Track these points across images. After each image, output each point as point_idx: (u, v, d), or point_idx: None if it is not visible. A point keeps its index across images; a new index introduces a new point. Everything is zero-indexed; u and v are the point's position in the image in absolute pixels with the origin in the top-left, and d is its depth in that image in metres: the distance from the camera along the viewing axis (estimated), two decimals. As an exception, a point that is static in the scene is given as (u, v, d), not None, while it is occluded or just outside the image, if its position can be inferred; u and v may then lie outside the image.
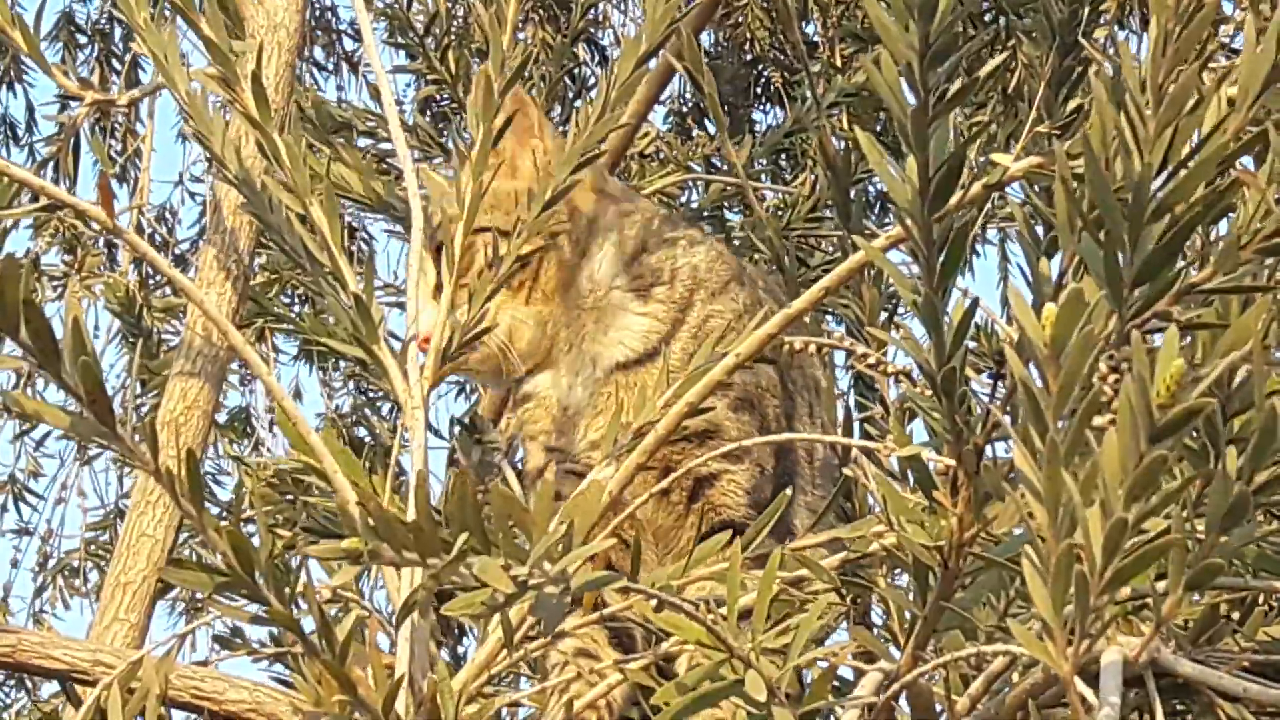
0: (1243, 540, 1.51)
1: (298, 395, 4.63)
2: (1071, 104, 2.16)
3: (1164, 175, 1.52)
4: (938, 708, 1.94)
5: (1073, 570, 1.33)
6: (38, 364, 1.48)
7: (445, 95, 3.93)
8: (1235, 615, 1.95)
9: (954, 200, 1.73)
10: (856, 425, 2.76)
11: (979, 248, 3.88)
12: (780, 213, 3.75)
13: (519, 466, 3.47)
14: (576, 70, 4.11)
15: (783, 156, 4.14)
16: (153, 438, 1.52)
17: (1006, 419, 1.61)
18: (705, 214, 4.00)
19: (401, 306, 3.78)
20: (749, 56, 4.29)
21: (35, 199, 2.61)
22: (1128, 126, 1.48)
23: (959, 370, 1.69)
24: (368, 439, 4.26)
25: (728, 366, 2.20)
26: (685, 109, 4.28)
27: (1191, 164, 1.49)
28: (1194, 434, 1.74)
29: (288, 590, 1.49)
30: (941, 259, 1.63)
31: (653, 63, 2.75)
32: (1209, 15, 1.49)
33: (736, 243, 3.78)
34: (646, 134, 4.09)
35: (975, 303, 1.62)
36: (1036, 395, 1.33)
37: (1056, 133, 2.12)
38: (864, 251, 1.81)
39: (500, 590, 1.45)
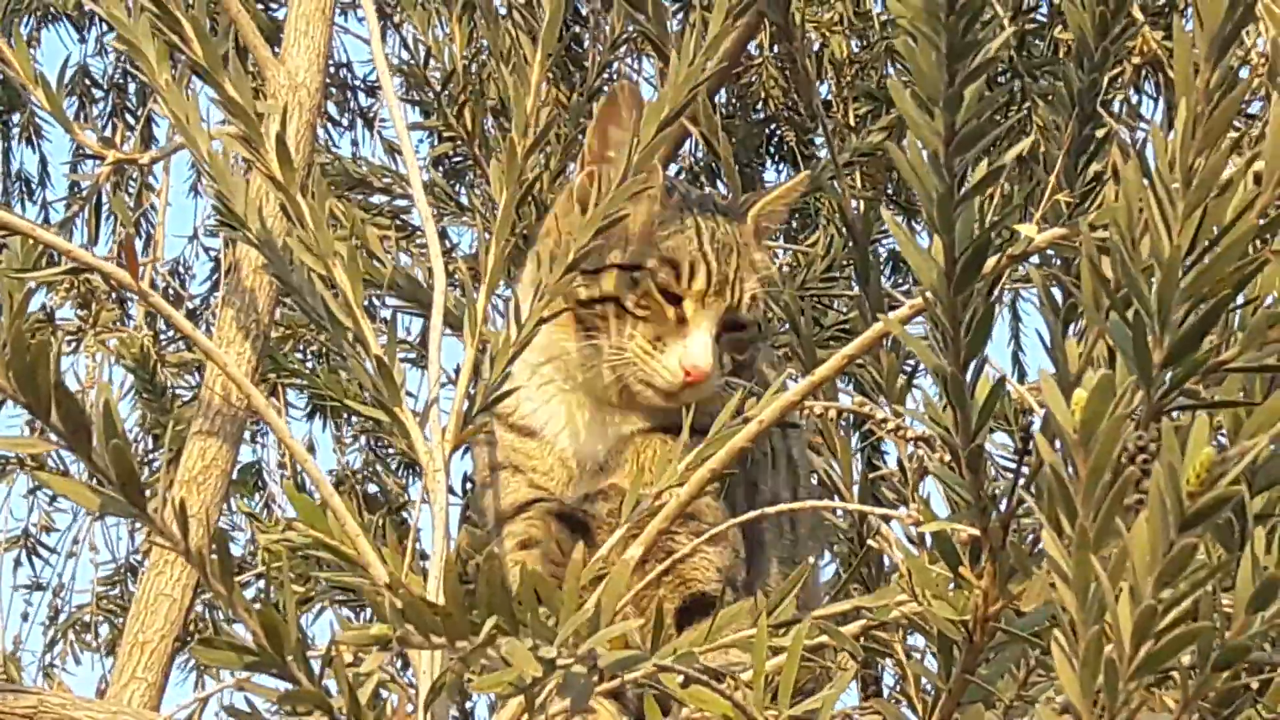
0: (1272, 620, 1.51)
1: (310, 450, 4.63)
2: (1090, 171, 2.17)
3: (1193, 256, 1.53)
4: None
5: (1102, 656, 1.33)
6: (68, 445, 1.49)
7: (460, 153, 3.94)
8: (1255, 685, 1.95)
9: (989, 265, 1.74)
10: (871, 490, 2.77)
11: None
12: (794, 272, 3.76)
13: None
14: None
15: (795, 215, 4.15)
16: (183, 517, 1.53)
17: (1031, 498, 1.62)
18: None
19: (416, 364, 3.80)
20: (761, 115, 4.30)
21: (55, 260, 2.62)
22: (1155, 207, 1.49)
23: (983, 446, 1.70)
24: (379, 495, 4.27)
25: (750, 433, 2.21)
26: (699, 167, 4.28)
27: (1221, 245, 1.50)
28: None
29: (315, 666, 1.49)
30: (968, 337, 1.64)
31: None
32: (1239, 97, 1.50)
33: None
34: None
35: (1002, 380, 1.62)
36: (1066, 479, 1.34)
37: (1074, 200, 2.13)
38: (884, 323, 1.82)
39: (528, 672, 1.46)
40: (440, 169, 4.06)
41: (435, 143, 4.06)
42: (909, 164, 1.61)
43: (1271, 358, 1.63)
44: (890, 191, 4.18)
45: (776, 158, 4.25)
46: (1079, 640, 1.35)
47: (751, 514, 2.28)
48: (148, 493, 1.51)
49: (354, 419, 4.40)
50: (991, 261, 1.91)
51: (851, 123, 4.21)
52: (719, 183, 4.22)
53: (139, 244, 4.84)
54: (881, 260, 4.24)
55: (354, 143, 4.73)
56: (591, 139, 2.60)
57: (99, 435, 1.48)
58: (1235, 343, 1.62)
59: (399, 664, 2.85)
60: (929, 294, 1.63)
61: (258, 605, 1.47)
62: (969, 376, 1.66)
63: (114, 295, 4.55)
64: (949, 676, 1.83)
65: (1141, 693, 1.80)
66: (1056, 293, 1.84)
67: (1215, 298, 1.51)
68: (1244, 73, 2.89)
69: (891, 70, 4.06)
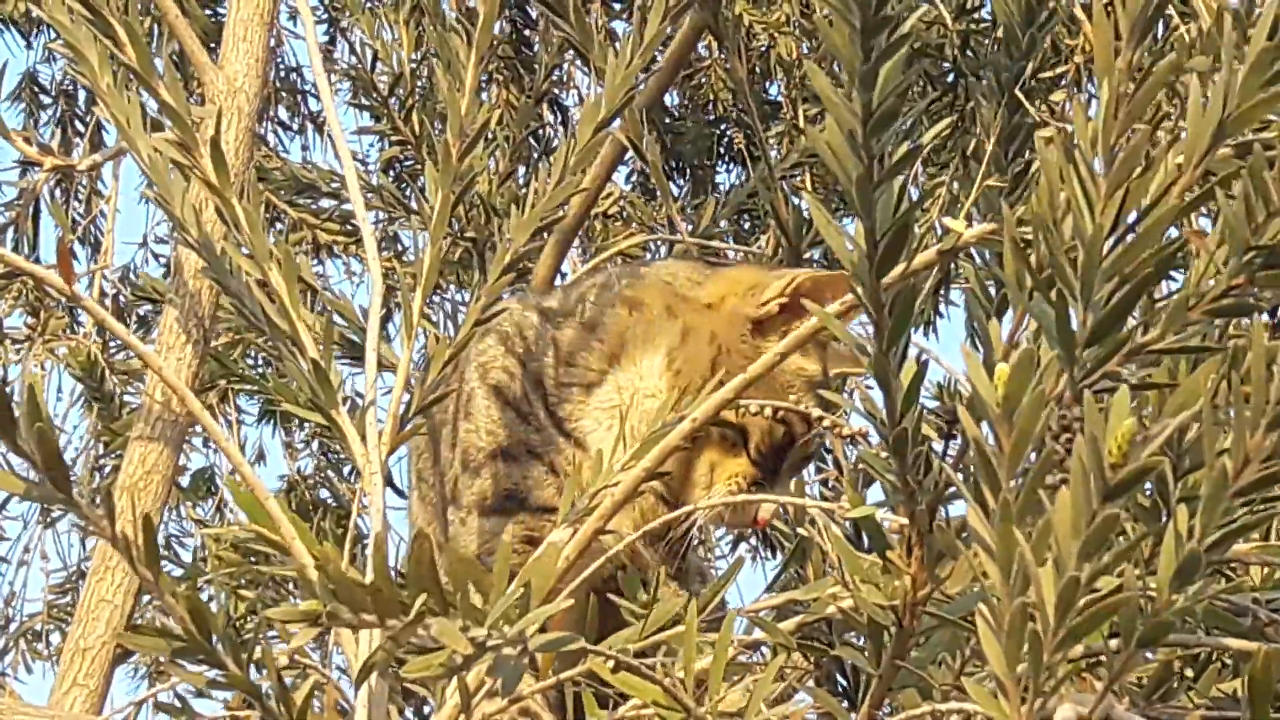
0: (1194, 599, 1.52)
1: (261, 457, 4.62)
2: (1022, 161, 2.18)
3: (1114, 236, 1.53)
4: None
5: (1026, 628, 1.34)
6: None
7: (409, 156, 3.94)
8: (1189, 672, 1.96)
9: (905, 267, 1.75)
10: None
11: (942, 309, 3.90)
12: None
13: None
14: (541, 131, 4.12)
15: (745, 216, 4.16)
16: (109, 504, 1.53)
17: (960, 477, 1.62)
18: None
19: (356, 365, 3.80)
20: (711, 117, 4.31)
21: (-8, 265, 2.62)
22: (1079, 188, 1.50)
23: (911, 430, 1.71)
24: (330, 501, 4.26)
25: (684, 431, 2.21)
26: (648, 170, 4.29)
27: (1142, 226, 1.51)
28: (1146, 492, 1.75)
29: (245, 655, 1.49)
30: (891, 320, 1.64)
31: (616, 124, 2.77)
32: (1161, 79, 1.51)
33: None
34: (610, 194, 4.11)
35: (925, 364, 1.63)
36: (989, 454, 1.34)
37: (1004, 185, 2.14)
38: (817, 317, 1.83)
39: (458, 651, 1.46)
40: (390, 174, 4.06)
41: (385, 147, 4.06)
42: (827, 145, 1.62)
43: (1194, 339, 1.64)
44: (838, 191, 4.19)
45: (727, 159, 4.27)
46: (1003, 613, 1.35)
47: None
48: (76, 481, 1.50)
49: (305, 425, 4.39)
50: (922, 256, 1.93)
51: (801, 124, 4.22)
52: (670, 182, 4.23)
53: (88, 252, 4.83)
54: (834, 261, 4.24)
55: (304, 147, 4.73)
56: None
57: (24, 421, 1.48)
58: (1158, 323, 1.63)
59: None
60: (852, 278, 1.64)
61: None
62: (894, 359, 1.67)
63: (62, 303, 4.54)
64: (880, 662, 1.83)
65: (1076, 678, 1.82)
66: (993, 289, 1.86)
67: (1137, 278, 1.52)
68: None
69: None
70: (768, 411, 2.50)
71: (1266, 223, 1.59)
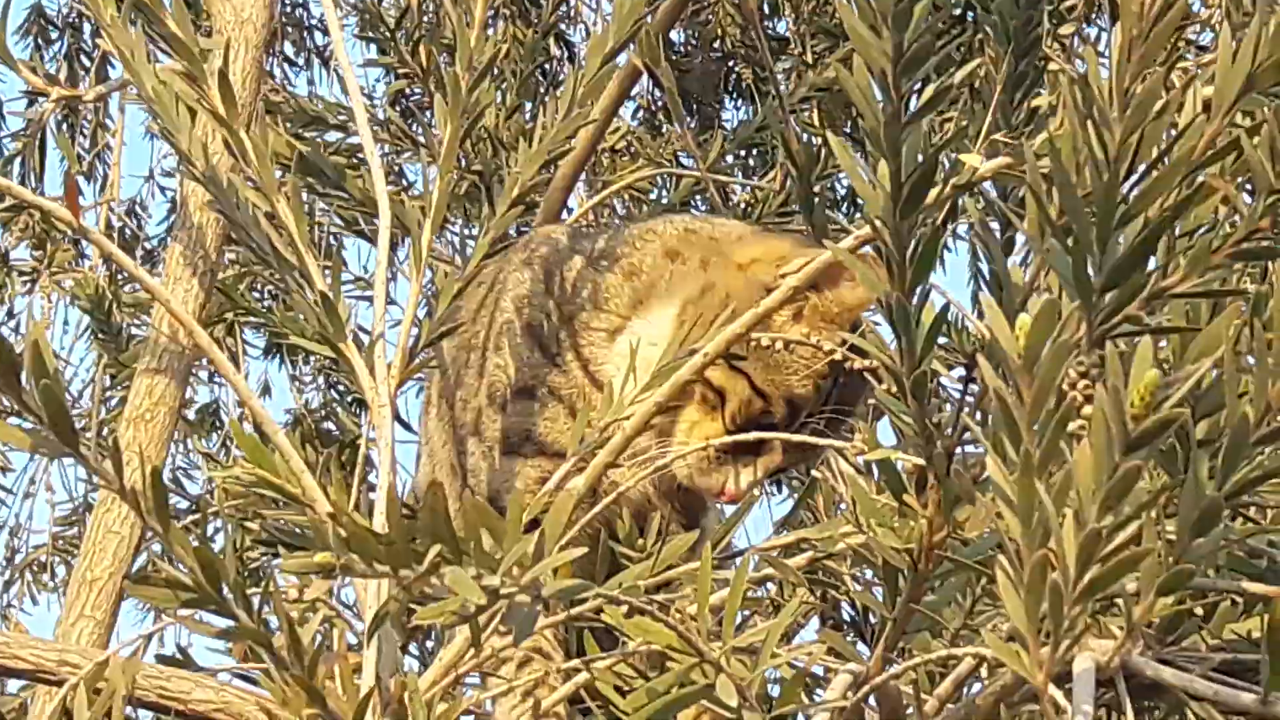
0: (1214, 545, 1.51)
1: (266, 390, 4.61)
2: (1030, 105, 2.15)
3: (1132, 180, 1.51)
4: (907, 709, 1.94)
5: (1047, 579, 1.33)
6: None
7: (417, 90, 3.92)
8: (1201, 612, 1.95)
9: (931, 195, 1.73)
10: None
11: (950, 243, 3.88)
12: (750, 209, 3.75)
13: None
14: (548, 66, 4.09)
15: (754, 152, 4.14)
16: (116, 455, 1.51)
17: (977, 424, 1.61)
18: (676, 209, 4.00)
19: (369, 300, 3.78)
20: (719, 53, 4.28)
21: (1, 198, 2.60)
22: (1094, 131, 1.48)
23: (928, 373, 1.69)
24: (336, 434, 4.25)
25: (695, 366, 2.20)
26: (656, 105, 4.27)
27: (1159, 169, 1.49)
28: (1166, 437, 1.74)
29: (256, 604, 1.48)
30: (912, 263, 1.62)
31: (622, 59, 2.75)
32: (1175, 19, 1.48)
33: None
34: (617, 129, 4.08)
35: (946, 307, 1.61)
36: (1010, 405, 1.33)
37: (1009, 140, 2.11)
38: (832, 252, 1.81)
39: (471, 601, 1.44)
40: (397, 107, 4.04)
41: (392, 80, 4.04)
42: (856, 86, 1.60)
43: (1215, 283, 1.62)
44: (849, 128, 4.17)
45: (734, 95, 4.24)
46: (1023, 566, 1.34)
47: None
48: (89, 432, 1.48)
49: (312, 358, 4.38)
50: (934, 191, 1.91)
51: (809, 59, 4.19)
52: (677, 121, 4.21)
53: (94, 185, 4.81)
54: (841, 198, 4.23)
55: (310, 81, 4.70)
56: None
57: (28, 375, 1.46)
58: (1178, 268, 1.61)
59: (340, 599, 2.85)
60: (876, 220, 1.62)
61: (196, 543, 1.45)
62: (914, 303, 1.65)
63: (68, 236, 4.53)
64: (895, 606, 1.82)
65: (1086, 619, 1.80)
66: (996, 226, 1.84)
67: (1155, 222, 1.50)
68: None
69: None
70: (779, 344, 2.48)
71: (1292, 165, 1.58)
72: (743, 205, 3.76)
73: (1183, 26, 1.75)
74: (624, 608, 1.67)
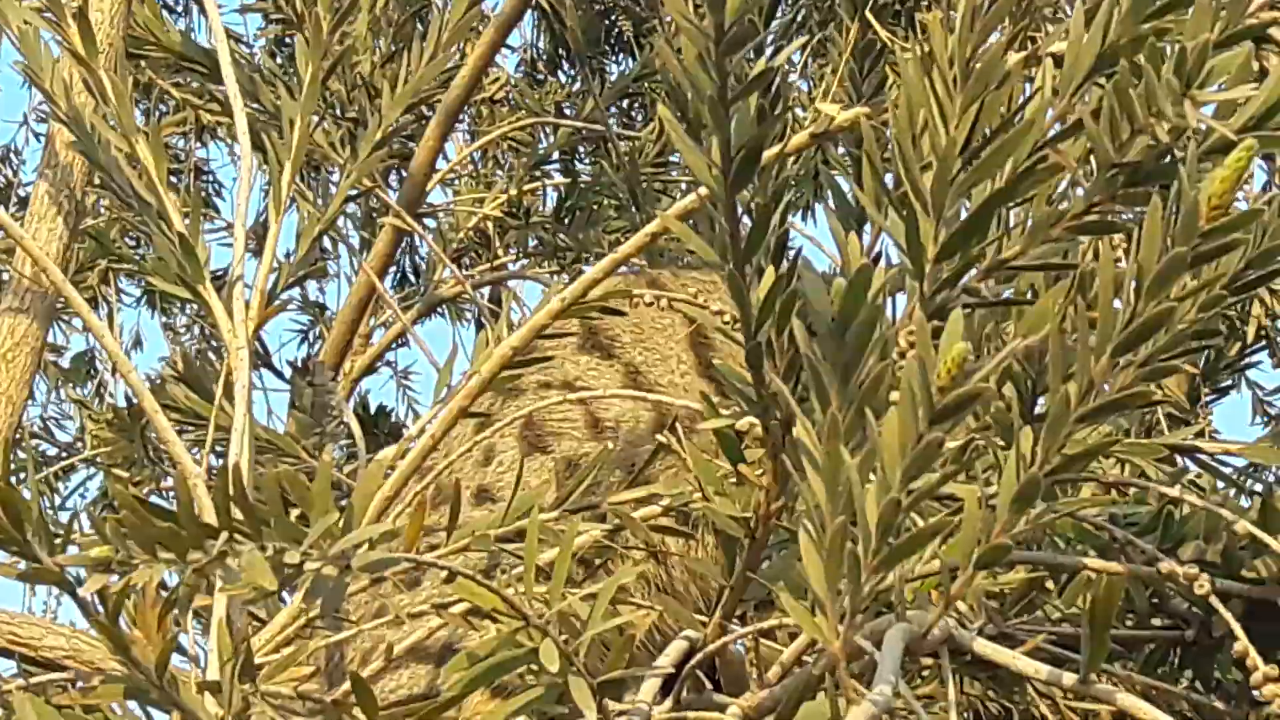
0: (1039, 519, 1.50)
1: (138, 343, 4.56)
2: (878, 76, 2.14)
3: (971, 151, 1.50)
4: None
5: (846, 547, 1.31)
6: None
7: (291, 36, 3.87)
8: (1051, 585, 1.95)
9: (777, 150, 1.72)
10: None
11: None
12: (629, 159, 3.73)
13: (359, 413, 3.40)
14: (425, 13, 4.03)
15: (635, 104, 4.12)
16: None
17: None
18: (554, 160, 3.98)
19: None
20: (600, 7, 4.24)
21: None
22: (934, 100, 1.46)
23: (766, 344, 1.67)
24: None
25: (553, 310, 2.15)
26: (537, 56, 4.24)
27: (997, 141, 1.48)
28: (1007, 409, 1.73)
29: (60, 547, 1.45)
30: (746, 237, 1.61)
31: (498, 6, 2.72)
32: (1016, -8, 1.47)
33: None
34: (497, 79, 4.05)
35: (780, 279, 1.59)
36: (820, 371, 1.31)
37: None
38: (655, 223, 1.79)
39: (263, 584, 1.42)
40: (276, 58, 3.98)
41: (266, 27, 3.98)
42: (681, 65, 1.58)
43: (1055, 256, 1.61)
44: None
45: (615, 48, 4.21)
46: (826, 532, 1.32)
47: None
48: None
49: (188, 307, 4.33)
50: (796, 139, 1.89)
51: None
52: (559, 73, 4.19)
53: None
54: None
55: (190, 29, 4.63)
56: None
57: None
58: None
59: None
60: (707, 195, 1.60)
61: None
62: (749, 274, 1.63)
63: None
64: (732, 573, 1.81)
65: (934, 595, 1.79)
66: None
67: (991, 193, 1.49)
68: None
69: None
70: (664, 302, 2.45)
71: (1130, 140, 1.56)
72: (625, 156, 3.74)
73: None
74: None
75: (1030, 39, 1.89)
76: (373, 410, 3.56)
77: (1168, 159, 1.58)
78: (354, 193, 2.41)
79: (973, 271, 1.61)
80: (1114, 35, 1.57)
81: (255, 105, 3.13)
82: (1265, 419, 3.53)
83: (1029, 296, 1.70)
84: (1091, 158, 1.60)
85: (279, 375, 3.54)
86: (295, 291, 4.12)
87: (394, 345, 3.91)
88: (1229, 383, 3.40)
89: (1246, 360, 3.38)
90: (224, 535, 1.41)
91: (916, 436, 1.28)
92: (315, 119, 3.52)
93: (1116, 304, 1.48)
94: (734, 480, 1.79)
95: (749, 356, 1.67)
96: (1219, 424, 3.54)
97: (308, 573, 1.45)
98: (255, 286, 2.35)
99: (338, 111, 3.41)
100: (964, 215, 1.53)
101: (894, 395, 1.39)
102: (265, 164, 2.41)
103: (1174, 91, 1.53)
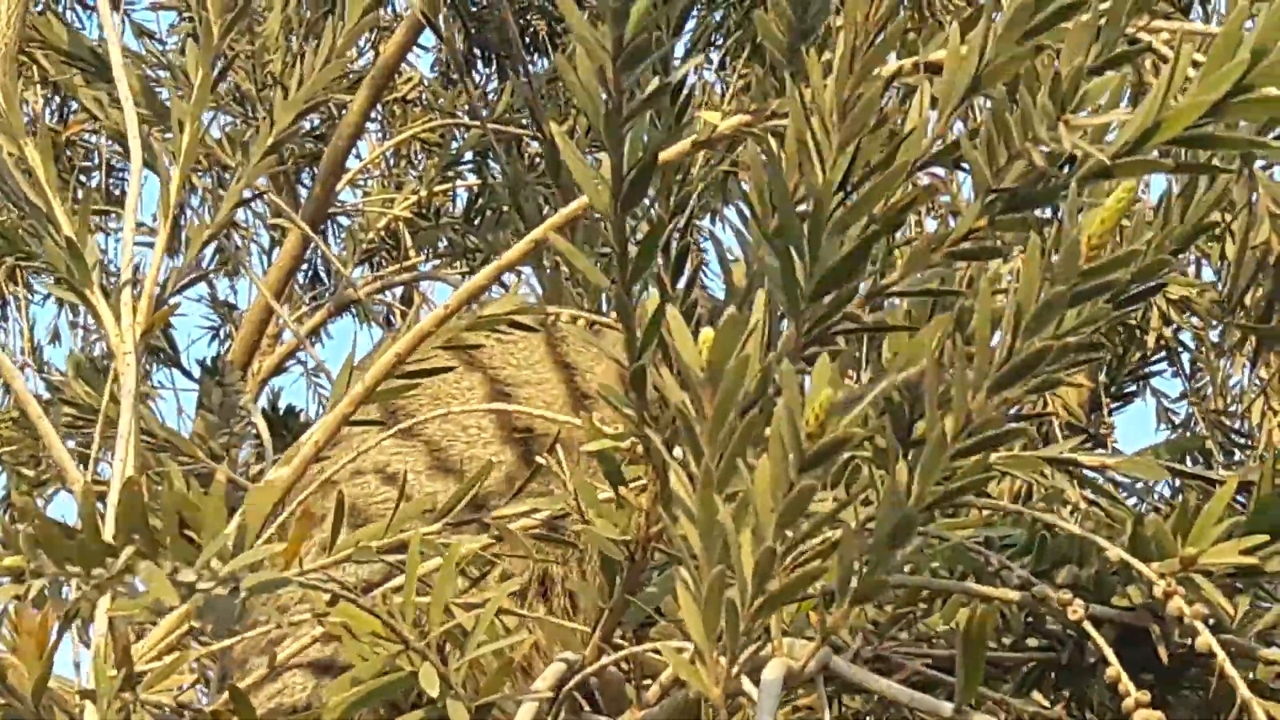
0: (913, 554, 1.51)
1: (55, 338, 4.53)
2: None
3: (848, 189, 1.51)
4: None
5: (723, 595, 1.32)
6: None
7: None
8: (924, 606, 1.96)
9: (671, 152, 1.72)
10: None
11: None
12: (539, 159, 3.73)
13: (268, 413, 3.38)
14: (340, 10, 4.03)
15: (549, 105, 4.11)
16: None
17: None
18: (467, 161, 3.97)
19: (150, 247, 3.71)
20: (520, 5, 4.23)
21: None
22: (811, 140, 1.47)
23: (649, 367, 1.67)
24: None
25: (438, 317, 2.15)
26: (452, 61, 4.22)
27: (871, 181, 1.48)
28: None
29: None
30: (633, 258, 1.61)
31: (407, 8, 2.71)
32: (895, 34, 1.48)
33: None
34: (410, 79, 4.04)
35: (663, 305, 1.59)
36: (691, 420, 1.31)
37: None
38: (540, 230, 1.80)
39: (164, 600, 1.42)
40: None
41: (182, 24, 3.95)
42: (578, 80, 1.58)
43: (934, 282, 1.62)
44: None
45: (531, 48, 4.20)
46: (702, 580, 1.33)
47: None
48: None
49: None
50: (677, 147, 1.89)
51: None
52: (474, 72, 4.18)
53: None
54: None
55: (100, 26, 4.59)
56: None
57: None
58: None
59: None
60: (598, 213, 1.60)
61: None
62: (635, 296, 1.64)
63: None
64: (612, 596, 1.82)
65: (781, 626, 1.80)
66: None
67: (867, 233, 1.49)
68: None
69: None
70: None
71: (1008, 166, 1.57)
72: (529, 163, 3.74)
73: (907, 33, 1.74)
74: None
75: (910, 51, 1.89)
76: (281, 410, 3.55)
77: (1047, 183, 1.59)
78: (251, 194, 2.40)
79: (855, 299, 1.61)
80: (990, 54, 1.58)
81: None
82: (1170, 426, 3.55)
83: (905, 321, 1.70)
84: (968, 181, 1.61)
85: (187, 374, 3.52)
86: (204, 289, 4.11)
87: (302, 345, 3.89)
88: (1133, 388, 3.42)
89: (1149, 369, 3.40)
90: (127, 551, 1.41)
91: (788, 485, 1.29)
92: (230, 120, 3.51)
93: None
94: (614, 503, 1.80)
95: (633, 379, 1.67)
96: (1124, 432, 3.57)
97: (199, 593, 1.45)
98: (144, 291, 2.33)
99: (248, 110, 3.40)
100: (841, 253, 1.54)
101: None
102: (152, 166, 2.40)
103: (1049, 116, 1.54)
